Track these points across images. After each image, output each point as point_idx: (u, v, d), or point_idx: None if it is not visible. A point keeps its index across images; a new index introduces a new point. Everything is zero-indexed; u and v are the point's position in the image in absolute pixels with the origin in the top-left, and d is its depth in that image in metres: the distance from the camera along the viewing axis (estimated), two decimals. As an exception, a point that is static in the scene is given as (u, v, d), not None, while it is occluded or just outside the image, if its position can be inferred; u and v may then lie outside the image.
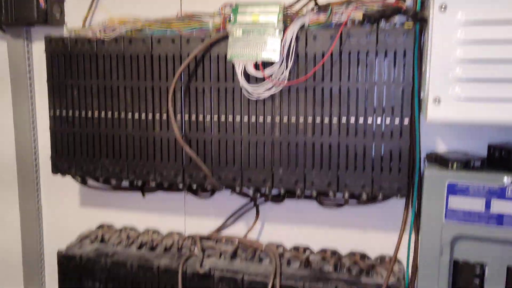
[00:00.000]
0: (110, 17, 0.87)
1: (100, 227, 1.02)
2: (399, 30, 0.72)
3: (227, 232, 0.95)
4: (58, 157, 0.91)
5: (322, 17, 0.75)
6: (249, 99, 0.79)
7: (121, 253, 0.89)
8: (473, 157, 0.71)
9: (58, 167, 0.91)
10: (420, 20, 0.71)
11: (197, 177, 0.84)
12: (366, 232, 0.87)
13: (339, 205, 0.85)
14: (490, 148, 0.73)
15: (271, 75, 0.76)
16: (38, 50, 1.02)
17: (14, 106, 1.03)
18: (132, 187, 0.96)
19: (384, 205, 0.84)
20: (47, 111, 0.91)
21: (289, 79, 0.76)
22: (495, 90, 0.63)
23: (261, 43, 0.75)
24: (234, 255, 0.88)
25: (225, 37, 0.78)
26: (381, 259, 0.85)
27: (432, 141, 0.80)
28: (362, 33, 0.73)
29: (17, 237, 1.08)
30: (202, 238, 0.93)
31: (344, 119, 0.75)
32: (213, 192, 0.92)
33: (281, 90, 0.77)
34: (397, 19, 0.75)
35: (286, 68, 0.75)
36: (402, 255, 0.82)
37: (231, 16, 0.77)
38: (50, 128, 0.91)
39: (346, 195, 0.78)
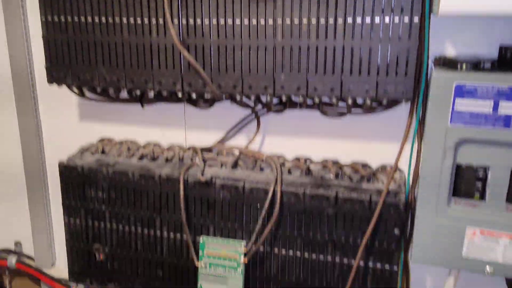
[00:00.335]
0: None
1: (101, 140, 1.01)
2: None
3: (228, 145, 0.95)
4: (53, 66, 0.88)
5: None
6: (249, 0, 0.75)
7: (122, 164, 0.89)
8: (483, 59, 0.68)
9: (53, 76, 0.88)
10: None
11: (196, 85, 0.81)
12: (368, 142, 0.87)
13: (342, 114, 0.84)
14: (501, 49, 0.70)
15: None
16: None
17: (6, 18, 0.99)
18: (131, 98, 0.94)
19: (387, 113, 0.82)
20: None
21: (292, -23, 0.71)
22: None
23: None
24: (235, 165, 0.88)
25: None
26: (383, 168, 0.85)
27: (441, 45, 0.77)
28: None
29: (17, 151, 1.08)
30: (203, 149, 0.93)
31: (350, 20, 0.71)
32: (213, 102, 0.90)
33: (283, -11, 0.73)
34: None
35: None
36: (404, 165, 0.82)
37: None
38: (42, 36, 0.87)
39: (350, 101, 0.76)
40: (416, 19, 0.68)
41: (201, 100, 0.90)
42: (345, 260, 0.79)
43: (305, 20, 0.73)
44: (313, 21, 0.73)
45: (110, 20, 0.82)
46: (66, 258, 0.96)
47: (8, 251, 1.16)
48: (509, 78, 0.64)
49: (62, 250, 1.11)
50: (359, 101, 0.79)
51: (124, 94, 0.93)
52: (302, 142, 0.90)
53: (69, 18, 0.84)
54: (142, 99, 0.93)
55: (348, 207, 0.77)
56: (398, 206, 0.75)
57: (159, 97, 0.91)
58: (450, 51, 0.77)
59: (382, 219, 0.76)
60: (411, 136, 0.77)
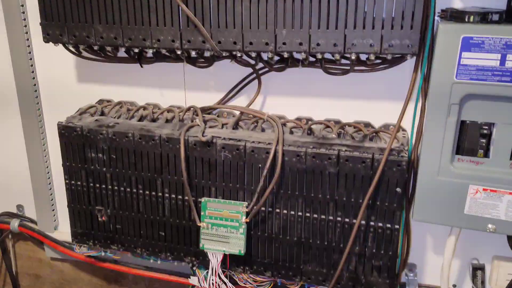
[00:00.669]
0: None
1: (99, 101, 1.00)
2: None
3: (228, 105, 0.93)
4: (48, 24, 0.85)
5: None
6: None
7: (122, 125, 0.88)
8: (491, 10, 0.66)
9: (49, 35, 0.86)
10: None
11: (195, 42, 0.79)
12: (371, 101, 0.85)
13: (345, 72, 0.82)
14: (510, 0, 0.67)
15: None
16: None
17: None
18: (129, 58, 0.92)
19: (391, 71, 0.80)
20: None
21: None
22: None
23: None
24: (236, 125, 0.87)
25: None
26: (385, 127, 0.84)
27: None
28: None
29: (18, 120, 1.06)
30: (203, 110, 0.91)
31: (354, -30, 0.68)
32: (212, 61, 0.88)
33: None
34: None
35: None
36: (407, 124, 0.81)
37: None
38: (36, -9, 0.85)
39: (353, 57, 0.74)
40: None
41: (201, 59, 0.88)
42: (347, 219, 0.79)
43: (307, -28, 0.71)
44: (316, -28, 0.70)
45: (106, -25, 0.80)
46: (69, 221, 0.97)
47: (11, 215, 1.17)
48: (518, 30, 0.62)
49: (64, 213, 1.11)
50: (363, 57, 0.77)
51: (122, 53, 0.91)
52: (303, 102, 0.89)
53: (64, -27, 0.82)
54: (140, 59, 0.91)
55: (350, 166, 0.76)
56: (400, 164, 0.74)
57: (158, 56, 0.89)
58: (457, 3, 0.74)
59: (384, 177, 0.75)
60: (415, 94, 0.76)
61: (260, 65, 0.87)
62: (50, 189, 1.10)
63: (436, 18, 0.71)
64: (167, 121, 0.89)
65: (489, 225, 0.71)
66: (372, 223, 0.78)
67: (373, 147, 0.77)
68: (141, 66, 0.93)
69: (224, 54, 0.81)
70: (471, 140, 0.71)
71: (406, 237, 0.82)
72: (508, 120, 0.68)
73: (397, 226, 0.77)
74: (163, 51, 0.83)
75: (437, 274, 0.86)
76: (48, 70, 1.03)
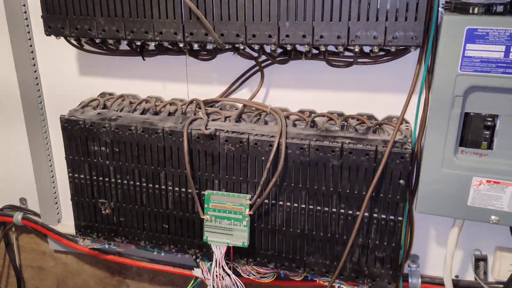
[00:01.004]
0: None
1: (101, 94, 1.00)
2: None
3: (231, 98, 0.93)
4: (50, 17, 0.85)
5: None
6: None
7: (124, 118, 0.88)
8: (495, 2, 0.66)
9: (50, 28, 0.86)
10: None
11: (198, 34, 0.79)
12: (374, 94, 0.85)
13: (348, 64, 0.82)
14: (516, -8, 0.67)
15: None
16: None
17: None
18: (131, 51, 0.91)
19: (394, 63, 0.80)
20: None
21: None
22: None
23: None
24: (239, 118, 0.87)
25: None
26: (389, 119, 0.84)
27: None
28: None
29: (18, 103, 1.06)
30: (206, 103, 0.91)
31: (357, -38, 0.68)
32: (215, 54, 0.87)
33: None
34: None
35: None
36: (410, 117, 0.81)
37: None
38: (37, -16, 0.84)
39: (357, 49, 0.73)
40: (427, -40, 0.65)
41: (203, 51, 0.88)
42: (350, 211, 0.80)
43: (310, -36, 0.70)
44: (319, -36, 0.70)
45: (107, -33, 0.79)
46: (72, 214, 0.97)
47: (14, 208, 1.17)
48: (523, 22, 0.62)
49: (67, 206, 1.12)
50: (366, 49, 0.77)
51: (124, 46, 0.91)
52: (306, 95, 0.89)
53: (65, -34, 0.81)
54: (142, 51, 0.91)
55: (354, 159, 0.76)
56: (404, 156, 0.74)
57: (160, 49, 0.89)
58: (462, -4, 0.74)
59: (387, 170, 0.75)
60: (418, 86, 0.76)
61: (263, 57, 0.87)
62: (53, 182, 1.11)
63: (440, 9, 0.71)
64: (169, 114, 0.89)
65: (492, 217, 0.72)
66: (375, 215, 0.78)
67: (377, 140, 0.77)
68: (143, 59, 0.93)
69: (226, 47, 0.81)
70: (475, 132, 0.71)
71: (409, 229, 0.82)
72: (511, 112, 0.68)
73: (400, 218, 0.77)
74: (165, 44, 0.83)
75: (440, 265, 0.87)
76: (50, 63, 1.02)
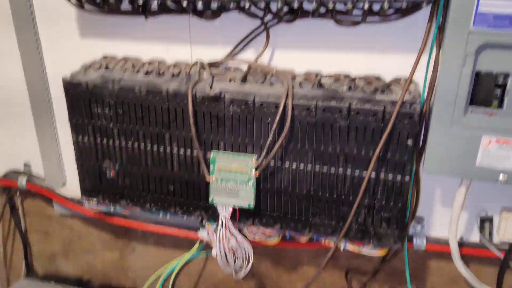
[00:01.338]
0: None
1: (103, 57, 0.98)
2: None
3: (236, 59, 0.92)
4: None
5: None
6: None
7: (128, 79, 0.87)
8: (512, -46, 0.63)
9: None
10: None
11: (202, -9, 0.76)
12: (382, 54, 0.83)
13: (356, 23, 0.79)
14: None
15: None
16: None
17: None
18: (133, 10, 0.89)
19: (404, 22, 0.78)
20: None
21: None
22: None
23: None
24: (244, 79, 0.85)
25: None
26: (397, 80, 0.83)
27: None
28: None
29: (19, 70, 1.05)
30: (210, 64, 0.90)
31: None
32: (219, 13, 0.85)
33: None
34: None
35: None
36: (419, 77, 0.80)
37: None
38: None
39: (366, 6, 0.71)
40: None
41: (207, 10, 0.85)
42: (357, 172, 0.79)
43: None
44: None
45: None
46: (77, 178, 0.97)
47: (18, 173, 1.17)
48: (540, -26, 0.60)
49: (72, 171, 1.12)
50: (376, 7, 0.75)
51: (126, 5, 0.88)
52: (313, 56, 0.87)
53: None
54: (145, 10, 0.89)
55: (361, 119, 0.76)
56: (412, 116, 0.73)
57: (162, 9, 0.86)
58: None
59: (395, 130, 0.75)
60: (428, 45, 0.74)
61: (269, 17, 0.84)
62: (57, 145, 1.10)
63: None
64: (173, 76, 0.88)
65: (501, 176, 0.71)
66: (382, 176, 0.78)
67: (385, 100, 0.76)
68: (146, 18, 0.91)
69: (231, 6, 0.79)
70: (486, 91, 0.70)
71: (415, 190, 0.82)
72: (523, 69, 0.66)
73: (407, 179, 0.77)
74: (168, 2, 0.80)
75: (445, 226, 0.87)
76: (50, 24, 1.00)
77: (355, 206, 0.79)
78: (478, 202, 0.87)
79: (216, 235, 0.88)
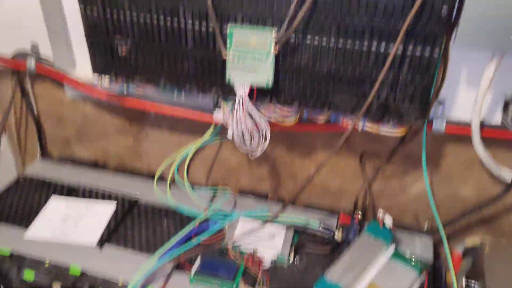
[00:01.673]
0: None
1: None
2: None
3: None
4: None
5: None
6: None
7: None
8: None
9: None
10: None
11: None
12: None
13: None
14: None
15: None
16: None
17: None
18: None
19: None
20: None
21: None
22: None
23: None
24: None
25: None
26: None
27: None
28: None
29: None
30: None
31: None
32: None
33: None
34: None
35: None
36: None
37: None
38: None
39: None
40: None
41: None
42: (383, 47, 0.75)
43: None
44: None
45: None
46: (87, 62, 0.93)
47: (26, 54, 1.12)
48: None
49: (81, 50, 1.08)
50: None
51: None
52: None
53: None
54: None
55: (392, -14, 0.70)
56: (449, -19, 0.67)
57: None
58: None
59: (428, -2, 0.69)
60: None
61: None
62: (64, 22, 1.04)
63: None
64: None
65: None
66: (409, 51, 0.74)
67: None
68: None
69: None
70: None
71: (443, 66, 0.78)
72: None
73: (436, 52, 0.73)
74: None
75: (467, 109, 0.85)
76: None
77: (378, 81, 0.76)
78: (505, 84, 0.83)
79: (233, 114, 0.86)
